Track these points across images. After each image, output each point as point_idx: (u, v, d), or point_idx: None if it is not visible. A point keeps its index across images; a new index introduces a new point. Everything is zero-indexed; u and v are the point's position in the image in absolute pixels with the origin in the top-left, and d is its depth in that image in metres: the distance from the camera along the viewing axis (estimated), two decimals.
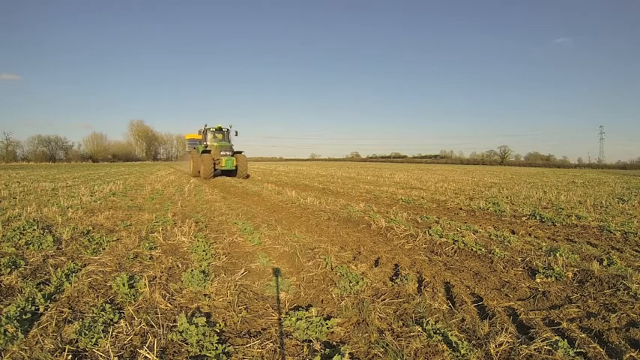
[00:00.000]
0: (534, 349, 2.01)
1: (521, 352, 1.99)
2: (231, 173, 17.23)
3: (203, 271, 3.19)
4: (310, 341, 2.15)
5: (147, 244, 4.07)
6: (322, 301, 2.78)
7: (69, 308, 2.46)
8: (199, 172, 16.65)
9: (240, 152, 17.87)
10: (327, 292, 2.94)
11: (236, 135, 18.19)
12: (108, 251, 3.87)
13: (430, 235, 4.78)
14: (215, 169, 16.32)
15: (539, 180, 18.61)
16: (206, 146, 17.31)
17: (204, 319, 2.25)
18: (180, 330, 2.16)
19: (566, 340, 2.08)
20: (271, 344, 2.10)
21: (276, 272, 3.30)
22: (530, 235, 5.09)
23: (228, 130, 18.35)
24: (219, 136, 18.10)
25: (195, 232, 4.81)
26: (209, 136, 17.73)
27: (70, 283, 2.88)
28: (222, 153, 16.84)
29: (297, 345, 2.12)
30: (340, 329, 2.30)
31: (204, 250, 3.86)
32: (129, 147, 74.38)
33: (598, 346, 2.03)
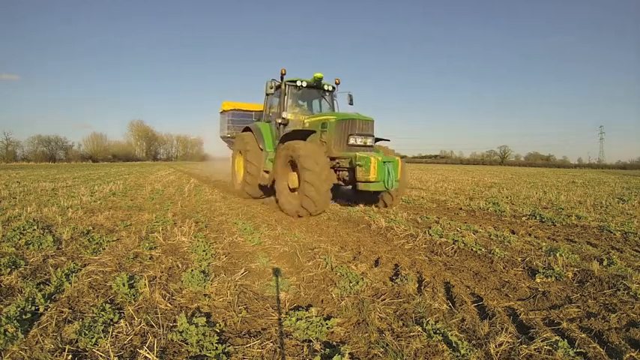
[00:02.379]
0: (534, 349, 2.01)
1: (521, 352, 1.99)
2: (373, 196, 7.18)
3: (203, 271, 3.19)
4: (310, 341, 2.15)
5: (147, 244, 4.07)
6: (322, 301, 2.78)
7: (69, 308, 2.46)
8: (278, 186, 6.75)
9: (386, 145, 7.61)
10: (327, 292, 2.94)
11: (350, 103, 8.25)
12: (108, 251, 3.87)
13: (430, 235, 4.78)
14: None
15: (539, 180, 18.61)
16: (284, 123, 7.56)
17: (204, 319, 2.24)
18: (180, 330, 2.15)
19: (566, 340, 2.08)
20: (271, 344, 2.10)
21: (276, 272, 3.30)
22: (530, 235, 5.09)
23: (334, 88, 8.25)
24: (302, 105, 8.24)
25: (195, 232, 4.81)
26: (290, 99, 7.80)
27: (70, 283, 2.88)
28: (354, 141, 6.65)
29: (297, 345, 2.12)
30: (340, 329, 2.30)
31: (204, 250, 3.86)
32: (129, 147, 74.34)
33: (598, 346, 2.03)
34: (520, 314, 2.49)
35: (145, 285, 2.81)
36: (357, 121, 6.68)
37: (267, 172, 7.57)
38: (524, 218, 6.38)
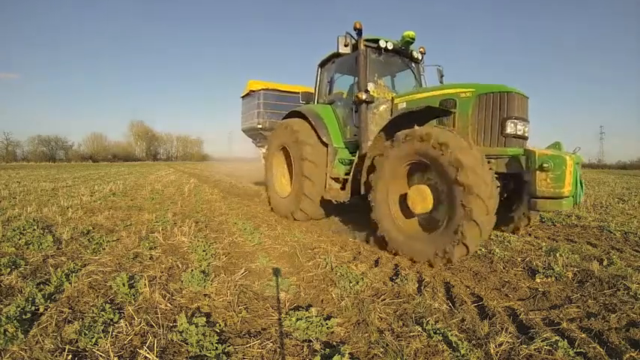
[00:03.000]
0: (534, 349, 2.01)
1: (521, 352, 1.99)
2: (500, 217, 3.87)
3: (203, 271, 3.19)
4: (310, 341, 2.15)
5: (147, 244, 4.07)
6: (322, 301, 2.78)
7: (69, 308, 2.46)
8: (381, 207, 4.07)
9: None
10: (327, 292, 2.94)
11: (441, 81, 5.90)
12: (108, 251, 3.87)
13: None
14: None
15: None
16: (369, 101, 4.96)
17: (204, 319, 2.25)
18: (180, 330, 2.15)
19: (566, 340, 2.08)
20: (271, 344, 2.10)
21: (276, 272, 3.30)
22: (530, 235, 5.09)
23: (422, 55, 5.89)
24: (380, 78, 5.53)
25: (195, 232, 4.81)
26: (369, 64, 5.18)
27: (70, 283, 2.88)
28: (513, 129, 3.93)
29: (297, 345, 2.12)
30: (340, 329, 2.30)
31: (204, 250, 3.86)
32: (129, 147, 74.46)
33: (598, 346, 2.03)
34: (520, 314, 2.49)
35: (145, 285, 2.81)
36: (516, 97, 3.97)
37: (336, 179, 5.32)
38: None
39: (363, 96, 4.95)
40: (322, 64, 6.19)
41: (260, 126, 8.75)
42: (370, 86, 5.10)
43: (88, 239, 4.31)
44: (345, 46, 5.03)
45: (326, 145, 5.49)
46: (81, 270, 3.22)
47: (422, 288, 2.99)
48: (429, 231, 3.79)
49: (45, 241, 3.99)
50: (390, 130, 4.31)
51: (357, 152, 4.98)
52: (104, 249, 3.97)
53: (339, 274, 3.27)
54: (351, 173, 4.92)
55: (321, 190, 5.42)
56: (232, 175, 18.27)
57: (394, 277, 3.25)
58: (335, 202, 5.34)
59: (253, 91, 8.97)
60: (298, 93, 7.38)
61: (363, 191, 4.53)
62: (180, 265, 3.44)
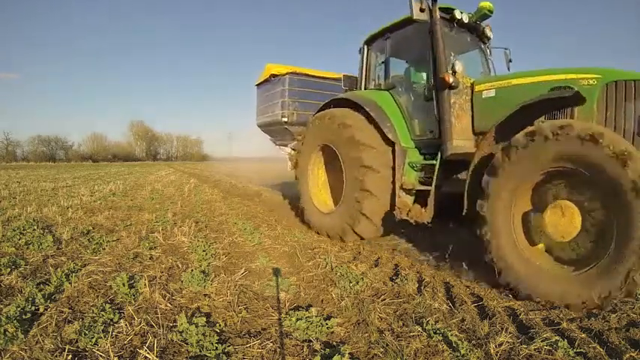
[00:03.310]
0: (534, 349, 2.01)
1: (521, 352, 1.99)
2: None
3: (203, 271, 3.19)
4: (310, 341, 2.15)
5: (147, 244, 4.07)
6: (322, 301, 2.78)
7: (69, 308, 2.46)
8: (502, 239, 2.94)
9: None
10: (327, 292, 2.94)
11: (508, 66, 4.81)
12: (108, 251, 3.87)
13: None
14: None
15: None
16: (454, 86, 3.72)
17: (204, 319, 2.25)
18: (180, 330, 2.15)
19: (566, 340, 2.08)
20: (271, 344, 2.10)
21: (276, 272, 3.30)
22: None
23: (489, 36, 4.67)
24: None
25: (195, 232, 4.81)
26: (448, 36, 4.10)
27: (70, 283, 2.88)
28: None
29: (297, 345, 2.12)
30: (340, 329, 2.30)
31: (204, 250, 3.86)
32: (129, 147, 74.49)
33: (598, 346, 2.02)
34: (520, 314, 2.49)
35: (145, 285, 2.81)
36: None
37: (408, 190, 4.22)
38: None
39: (450, 78, 3.74)
40: (370, 41, 5.00)
41: (285, 119, 7.11)
42: (458, 66, 3.83)
43: (88, 239, 4.32)
44: (421, 10, 3.93)
45: (392, 144, 4.34)
46: (81, 270, 3.22)
47: (422, 288, 2.99)
48: (565, 264, 2.85)
49: (45, 241, 3.99)
50: (502, 127, 3.27)
51: (440, 154, 3.82)
52: (104, 249, 3.97)
53: (339, 274, 3.27)
54: (433, 183, 3.82)
55: (383, 203, 4.25)
56: (232, 175, 18.28)
57: (394, 277, 3.25)
58: (414, 223, 3.98)
59: (275, 76, 7.29)
60: (333, 79, 6.28)
61: (465, 207, 3.26)
62: (180, 265, 3.44)
